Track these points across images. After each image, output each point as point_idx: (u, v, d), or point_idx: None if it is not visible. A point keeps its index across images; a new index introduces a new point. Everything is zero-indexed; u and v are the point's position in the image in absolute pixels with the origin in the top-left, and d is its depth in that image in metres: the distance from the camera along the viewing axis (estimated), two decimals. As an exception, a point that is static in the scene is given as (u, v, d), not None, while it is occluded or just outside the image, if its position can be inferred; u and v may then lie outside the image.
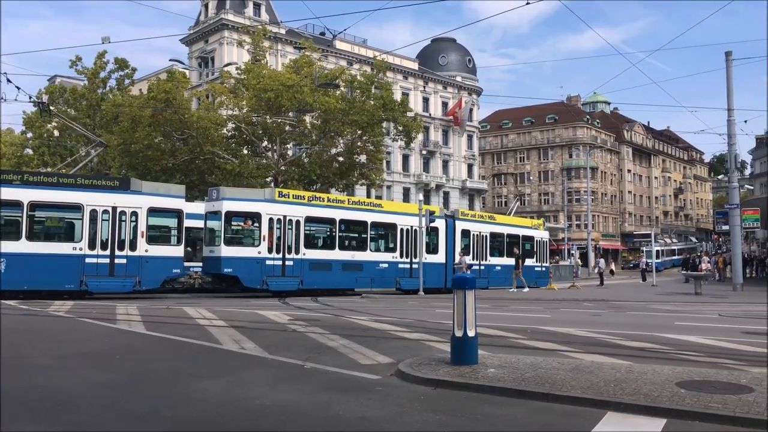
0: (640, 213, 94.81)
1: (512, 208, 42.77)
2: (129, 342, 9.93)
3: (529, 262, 30.71)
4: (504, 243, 30.45)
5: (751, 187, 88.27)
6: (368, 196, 48.26)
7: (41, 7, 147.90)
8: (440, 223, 27.20)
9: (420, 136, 53.63)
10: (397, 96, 41.32)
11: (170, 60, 35.62)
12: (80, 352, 8.71)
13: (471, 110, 70.05)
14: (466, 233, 28.43)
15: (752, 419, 5.12)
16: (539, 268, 32.51)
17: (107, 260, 19.17)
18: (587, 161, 65.05)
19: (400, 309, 17.08)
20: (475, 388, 6.41)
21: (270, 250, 21.70)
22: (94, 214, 19.13)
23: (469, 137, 71.18)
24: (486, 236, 29.55)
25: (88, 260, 18.90)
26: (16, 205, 18.13)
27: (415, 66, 65.62)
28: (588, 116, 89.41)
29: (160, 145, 32.15)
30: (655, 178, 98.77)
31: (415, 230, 25.69)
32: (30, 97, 27.53)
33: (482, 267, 28.61)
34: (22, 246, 18.07)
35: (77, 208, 18.96)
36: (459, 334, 7.41)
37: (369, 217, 24.68)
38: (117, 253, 19.34)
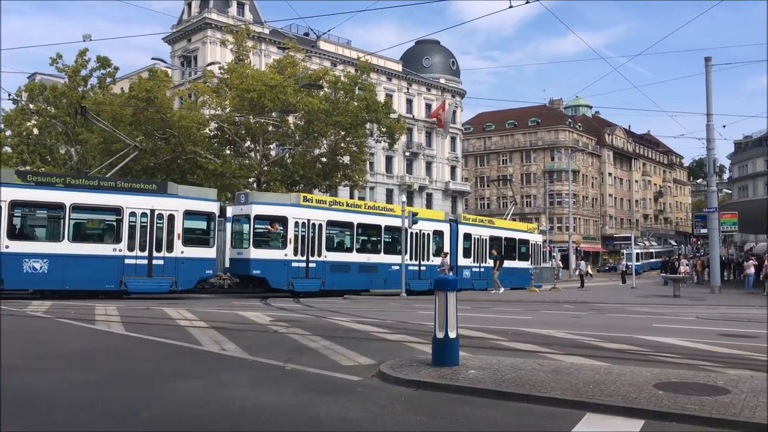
0: (620, 216, 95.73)
1: (509, 211, 43.67)
2: (108, 343, 9.83)
3: (524, 264, 32.20)
4: (502, 246, 31.30)
5: (729, 191, 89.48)
6: (351, 197, 48.20)
7: (21, 5, 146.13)
8: (445, 227, 28.18)
9: (403, 138, 53.72)
10: (381, 97, 41.32)
11: (152, 59, 35.33)
12: (58, 352, 8.61)
13: (454, 112, 70.30)
14: (467, 237, 29.41)
15: (728, 420, 5.20)
16: (530, 270, 33.56)
17: (146, 261, 19.77)
18: (569, 164, 65.57)
19: (382, 310, 17.09)
20: (456, 389, 6.44)
21: (295, 253, 22.46)
22: (133, 216, 19.72)
23: (453, 139, 71.43)
24: (486, 239, 30.50)
25: (127, 261, 19.51)
26: (59, 207, 18.75)
27: (398, 68, 65.74)
28: (570, 120, 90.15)
29: (141, 145, 31.84)
30: (636, 181, 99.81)
31: (425, 233, 26.75)
32: (9, 95, 27.16)
33: (482, 269, 29.55)
34: (65, 247, 18.64)
35: (117, 210, 19.59)
36: (440, 335, 7.43)
37: (383, 221, 25.48)
38: (155, 254, 19.94)
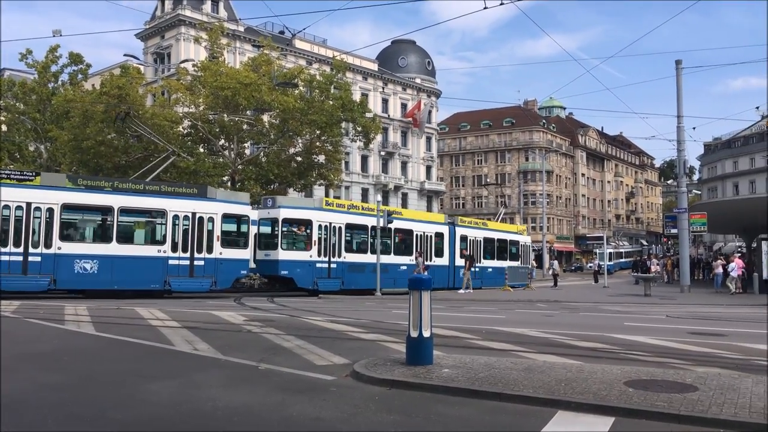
0: (593, 216, 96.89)
1: (499, 214, 45.21)
2: (78, 343, 9.66)
3: (514, 263, 34.15)
4: (495, 247, 33.46)
5: (699, 192, 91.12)
6: (326, 196, 48.04)
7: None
8: (445, 230, 29.88)
9: (379, 137, 53.67)
10: (357, 96, 41.27)
11: (125, 55, 34.88)
12: (26, 353, 8.44)
13: (430, 112, 70.51)
14: (464, 238, 30.86)
15: (696, 417, 5.29)
16: (523, 270, 35.68)
17: (188, 262, 20.77)
18: (543, 165, 66.21)
19: (357, 310, 17.06)
20: (430, 388, 6.46)
21: (319, 254, 23.77)
22: (176, 219, 20.69)
23: (428, 139, 71.62)
24: (480, 241, 32.41)
25: (171, 262, 20.47)
26: (108, 210, 19.73)
27: (374, 67, 65.72)
28: (544, 120, 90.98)
29: (113, 142, 31.39)
30: (608, 182, 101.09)
31: (428, 235, 28.52)
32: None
33: (477, 269, 30.75)
34: (113, 248, 19.57)
35: (162, 213, 20.57)
36: (414, 334, 7.45)
37: (393, 224, 26.55)
38: (196, 255, 20.95)
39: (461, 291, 27.57)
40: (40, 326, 11.42)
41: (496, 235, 34.10)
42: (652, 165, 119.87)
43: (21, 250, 18.44)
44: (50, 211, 18.86)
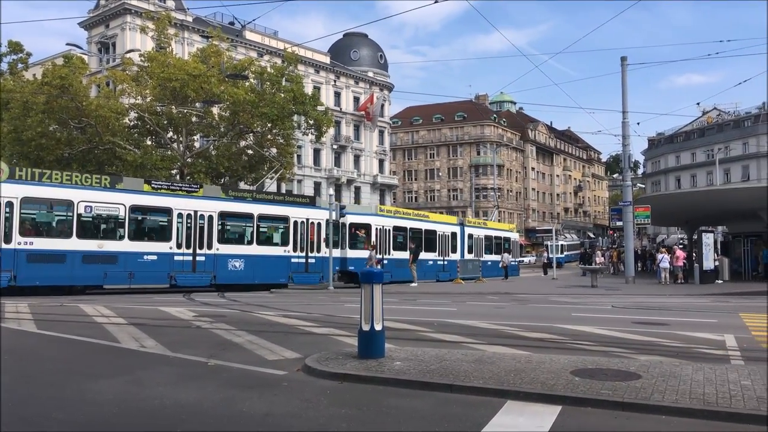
0: (542, 209, 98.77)
1: (494, 214, 49.57)
2: (18, 342, 9.32)
3: (507, 257, 38.12)
4: (493, 243, 38.73)
5: (643, 186, 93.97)
6: (278, 190, 47.56)
7: None
8: (457, 229, 34.89)
9: (331, 131, 53.43)
10: (308, 89, 40.96)
11: (67, 44, 33.63)
12: (-39, 353, 8.09)
13: (382, 106, 70.51)
14: (470, 236, 35.92)
15: (639, 404, 5.44)
16: (514, 262, 40.31)
17: (303, 260, 24.76)
18: (494, 159, 67.11)
19: (309, 304, 16.97)
20: (381, 381, 6.47)
21: (376, 252, 27.08)
22: (296, 224, 24.56)
23: (381, 133, 71.65)
24: (482, 238, 37.54)
25: (293, 260, 24.40)
26: (250, 217, 23.40)
27: (326, 60, 65.32)
28: (495, 115, 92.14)
29: (55, 134, 30.39)
30: (557, 176, 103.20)
31: (447, 235, 33.48)
32: None
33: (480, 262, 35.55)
34: (254, 249, 23.19)
35: (286, 219, 24.41)
36: (366, 328, 7.45)
37: (423, 226, 31.76)
38: (310, 254, 24.95)
39: (413, 284, 27.75)
40: (-22, 325, 10.97)
41: (493, 233, 39.51)
42: (598, 159, 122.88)
43: (191, 251, 21.68)
44: (210, 218, 22.13)
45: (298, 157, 55.15)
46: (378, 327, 7.44)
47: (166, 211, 21.45)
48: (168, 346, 8.65)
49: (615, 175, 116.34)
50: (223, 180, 33.05)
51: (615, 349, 8.75)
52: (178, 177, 31.26)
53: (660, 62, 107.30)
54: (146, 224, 21.78)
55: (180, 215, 21.54)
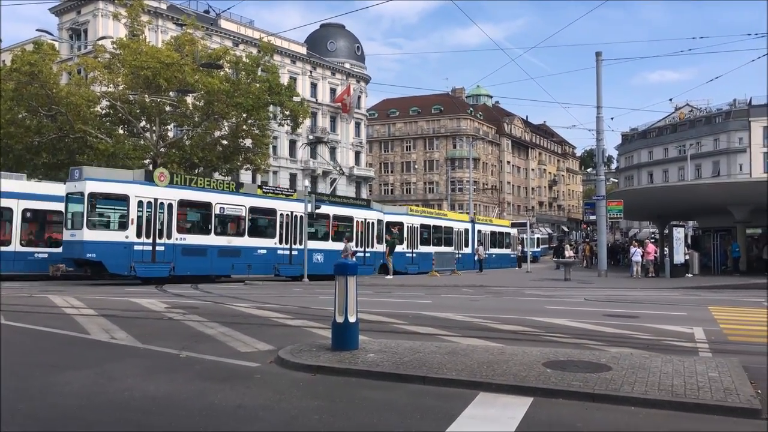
0: (517, 203, 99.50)
1: (498, 212, 55.22)
2: (-17, 333, 9.12)
3: (506, 251, 44.78)
4: (497, 238, 44.78)
5: (617, 180, 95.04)
6: (254, 181, 47.20)
7: None
8: (469, 226, 40.37)
9: (307, 122, 53.11)
10: (284, 80, 40.65)
11: (37, 30, 32.74)
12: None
13: (359, 98, 70.26)
14: (479, 232, 41.10)
15: (609, 395, 5.50)
16: (512, 255, 46.15)
17: (362, 254, 28.28)
18: (470, 152, 67.22)
19: (283, 296, 16.90)
20: (355, 373, 6.46)
21: (407, 246, 32.52)
22: (357, 223, 28.57)
23: (357, 125, 71.41)
24: (488, 233, 43.28)
25: (358, 255, 27.69)
26: (326, 217, 27.03)
27: (303, 50, 64.84)
28: (471, 108, 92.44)
29: (24, 122, 29.75)
30: (532, 170, 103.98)
31: (461, 230, 38.87)
32: None
33: (486, 255, 39.29)
34: (329, 245, 26.63)
35: (350, 219, 28.43)
36: (340, 320, 7.42)
37: (443, 223, 37.20)
38: (367, 249, 28.89)
39: (389, 277, 27.83)
40: (-58, 316, 10.72)
41: (497, 229, 45.69)
42: (573, 154, 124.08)
43: (288, 246, 25.18)
44: (301, 219, 25.16)
45: (274, 148, 54.77)
46: (352, 319, 7.42)
47: (272, 212, 24.93)
48: (139, 338, 8.54)
49: (589, 170, 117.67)
50: (196, 171, 32.67)
51: (586, 341, 8.84)
52: (150, 167, 30.83)
53: (634, 58, 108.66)
54: (259, 223, 24.98)
55: (281, 215, 25.08)
